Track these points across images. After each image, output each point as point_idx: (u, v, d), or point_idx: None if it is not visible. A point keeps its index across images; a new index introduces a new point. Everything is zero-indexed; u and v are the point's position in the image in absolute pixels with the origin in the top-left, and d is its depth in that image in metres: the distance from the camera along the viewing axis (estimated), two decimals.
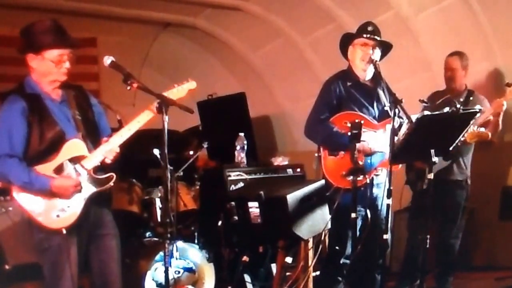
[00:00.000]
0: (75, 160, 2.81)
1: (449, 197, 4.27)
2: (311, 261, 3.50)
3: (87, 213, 2.83)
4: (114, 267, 2.97)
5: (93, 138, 2.92)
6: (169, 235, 2.85)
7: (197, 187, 4.57)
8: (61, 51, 2.80)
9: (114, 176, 2.86)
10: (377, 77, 3.63)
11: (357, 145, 3.31)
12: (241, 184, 4.19)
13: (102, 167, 2.86)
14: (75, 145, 2.83)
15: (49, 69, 2.81)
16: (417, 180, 4.16)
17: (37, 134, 2.78)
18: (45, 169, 2.78)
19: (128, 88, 2.83)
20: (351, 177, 3.33)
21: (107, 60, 2.84)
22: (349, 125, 3.31)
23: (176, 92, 2.97)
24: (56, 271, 2.78)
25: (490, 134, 4.13)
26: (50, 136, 2.79)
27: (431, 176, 3.42)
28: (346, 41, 3.74)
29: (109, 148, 2.83)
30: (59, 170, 2.78)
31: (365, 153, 3.46)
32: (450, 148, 3.42)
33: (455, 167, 4.28)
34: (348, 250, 3.55)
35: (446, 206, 4.25)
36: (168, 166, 2.79)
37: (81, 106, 2.95)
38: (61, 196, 2.76)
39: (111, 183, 2.85)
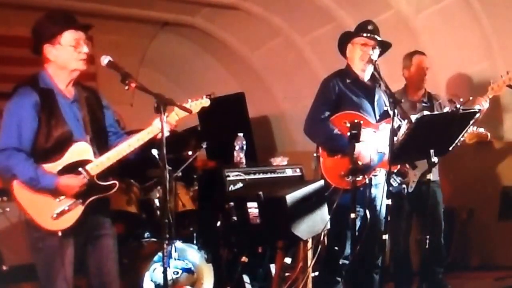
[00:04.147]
0: (80, 164, 2.77)
1: (432, 197, 4.26)
2: (310, 262, 3.49)
3: (85, 218, 2.80)
4: (111, 267, 2.94)
5: (100, 142, 2.88)
6: (167, 236, 2.83)
7: (196, 187, 4.57)
8: (77, 35, 2.79)
9: (117, 184, 2.83)
10: (375, 77, 3.62)
11: (356, 152, 3.30)
12: (240, 185, 4.18)
13: (104, 173, 2.82)
14: (81, 149, 2.79)
15: (68, 55, 2.77)
16: (400, 184, 4.16)
17: (45, 131, 2.74)
18: (49, 169, 2.74)
19: (126, 88, 2.80)
20: (350, 178, 3.31)
21: (104, 60, 2.81)
22: (348, 125, 3.29)
23: (190, 108, 2.93)
24: (50, 272, 2.76)
25: (489, 135, 4.12)
26: (57, 135, 2.75)
27: (430, 176, 3.42)
28: (345, 39, 3.73)
29: (114, 156, 2.81)
30: (63, 172, 2.74)
31: (364, 163, 3.43)
32: (450, 148, 3.41)
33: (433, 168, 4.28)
34: (347, 250, 3.54)
35: (430, 206, 4.24)
36: (167, 166, 2.77)
37: (92, 108, 2.91)
38: (65, 194, 2.73)
39: (114, 191, 2.83)
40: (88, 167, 2.77)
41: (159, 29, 6.72)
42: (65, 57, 2.79)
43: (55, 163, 2.74)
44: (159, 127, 2.80)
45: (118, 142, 2.88)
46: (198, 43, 6.93)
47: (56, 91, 2.80)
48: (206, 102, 3.03)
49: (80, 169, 2.75)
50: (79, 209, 2.77)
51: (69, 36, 2.77)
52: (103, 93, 3.09)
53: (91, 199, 2.78)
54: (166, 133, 2.78)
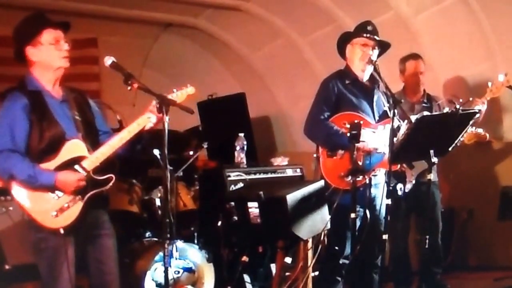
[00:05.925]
0: (75, 160, 2.80)
1: (431, 198, 4.27)
2: (310, 261, 3.50)
3: (85, 214, 2.82)
4: (112, 266, 2.95)
5: (92, 139, 2.91)
6: (168, 235, 2.85)
7: (197, 187, 4.58)
8: (55, 33, 2.82)
9: (114, 177, 2.85)
10: (375, 77, 3.63)
11: (357, 144, 3.32)
12: (240, 185, 4.20)
13: (101, 168, 2.85)
14: (75, 146, 2.82)
15: (50, 53, 2.80)
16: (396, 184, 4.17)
17: (37, 132, 2.77)
18: (46, 168, 2.76)
19: (129, 88, 2.83)
20: (349, 178, 3.33)
21: (108, 60, 2.84)
22: (348, 125, 3.31)
23: (175, 97, 2.96)
24: (53, 272, 2.77)
25: (488, 135, 4.14)
26: (50, 135, 2.78)
27: (431, 176, 3.43)
28: (344, 39, 3.74)
29: (108, 150, 2.84)
30: (59, 170, 2.77)
31: (365, 152, 3.45)
32: (450, 149, 3.43)
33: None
34: (347, 250, 3.56)
35: (429, 206, 4.25)
36: (168, 166, 2.79)
37: (81, 107, 2.94)
38: (64, 191, 2.75)
39: (110, 184, 2.85)
40: (83, 163, 2.79)
41: (162, 30, 6.74)
42: (48, 56, 2.82)
43: (51, 162, 2.77)
44: (148, 117, 2.87)
45: (109, 138, 2.91)
46: (200, 44, 6.95)
47: (44, 92, 2.84)
48: (191, 90, 3.08)
49: (76, 166, 2.78)
50: (79, 205, 2.79)
51: (48, 35, 2.81)
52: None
53: (89, 194, 2.80)
54: (150, 124, 2.87)
